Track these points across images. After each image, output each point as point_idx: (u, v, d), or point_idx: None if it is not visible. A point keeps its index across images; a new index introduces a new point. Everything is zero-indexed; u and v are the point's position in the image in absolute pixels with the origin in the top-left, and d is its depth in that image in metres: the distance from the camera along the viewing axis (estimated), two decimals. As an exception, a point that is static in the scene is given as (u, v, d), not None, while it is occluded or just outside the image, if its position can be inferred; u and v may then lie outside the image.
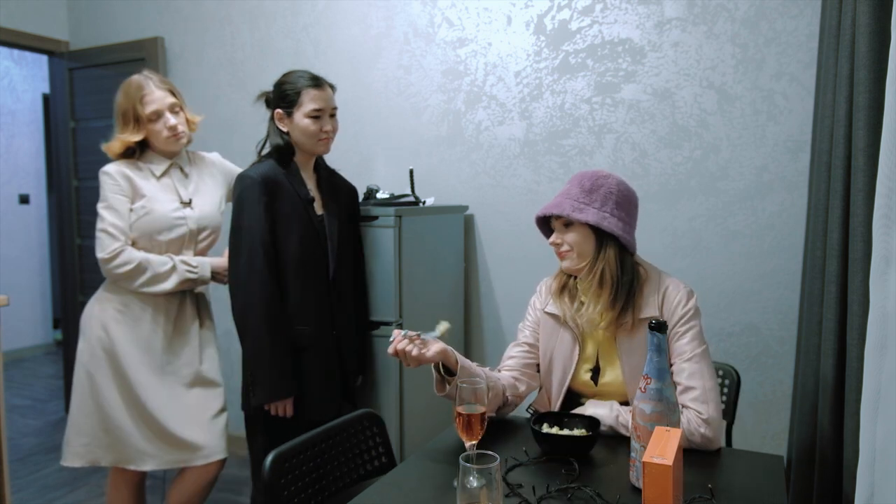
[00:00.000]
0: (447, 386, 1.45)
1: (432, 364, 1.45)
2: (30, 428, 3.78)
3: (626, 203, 1.54)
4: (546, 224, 1.62)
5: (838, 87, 1.54)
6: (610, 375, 1.56)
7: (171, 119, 2.00)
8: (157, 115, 1.98)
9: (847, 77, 1.50)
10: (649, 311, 1.51)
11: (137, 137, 1.99)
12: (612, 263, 1.51)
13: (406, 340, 1.38)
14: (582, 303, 1.57)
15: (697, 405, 1.41)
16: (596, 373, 1.57)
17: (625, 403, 1.56)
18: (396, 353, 1.38)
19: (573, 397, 1.62)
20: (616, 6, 2.49)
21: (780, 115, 2.29)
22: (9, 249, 5.28)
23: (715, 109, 2.37)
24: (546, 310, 1.63)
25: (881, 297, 1.03)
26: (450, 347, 1.45)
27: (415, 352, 1.37)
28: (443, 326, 1.47)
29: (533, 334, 1.66)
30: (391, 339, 1.40)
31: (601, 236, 1.51)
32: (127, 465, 2.01)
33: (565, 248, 1.54)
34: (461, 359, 1.47)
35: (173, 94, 2.03)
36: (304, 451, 1.40)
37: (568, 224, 1.53)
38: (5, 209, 5.27)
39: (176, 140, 2.02)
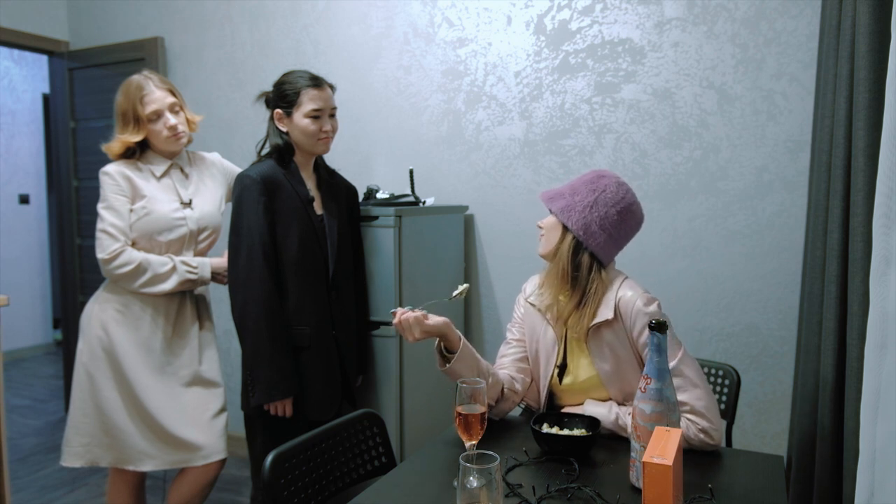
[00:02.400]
0: (447, 363, 1.49)
1: (435, 342, 1.50)
2: (30, 428, 3.78)
3: (605, 206, 1.51)
4: None
5: (838, 87, 1.54)
6: (571, 377, 1.57)
7: (171, 119, 2.00)
8: (157, 115, 1.98)
9: (847, 77, 1.50)
10: (605, 314, 1.50)
11: (137, 138, 1.99)
12: (565, 256, 1.52)
13: (409, 311, 1.44)
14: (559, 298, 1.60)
15: (693, 417, 1.40)
16: (563, 370, 1.59)
17: (620, 403, 1.57)
18: (400, 324, 1.44)
19: (551, 396, 1.63)
20: (616, 6, 2.49)
21: (780, 115, 2.29)
22: (9, 249, 5.28)
23: (715, 109, 2.37)
24: (529, 300, 1.66)
25: (881, 297, 1.03)
26: (455, 329, 1.50)
27: (417, 315, 1.43)
28: (462, 287, 1.55)
29: (520, 330, 1.69)
30: (392, 311, 1.46)
31: (566, 229, 1.54)
32: (126, 466, 2.01)
33: (542, 231, 1.59)
34: (464, 338, 1.51)
35: (173, 93, 2.03)
36: (304, 451, 1.40)
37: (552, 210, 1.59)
38: (5, 209, 5.27)
39: (176, 140, 2.02)
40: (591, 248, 1.51)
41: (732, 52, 2.33)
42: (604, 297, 1.52)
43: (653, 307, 1.48)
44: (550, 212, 1.58)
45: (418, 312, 1.45)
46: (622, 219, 1.52)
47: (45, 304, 5.62)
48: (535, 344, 1.64)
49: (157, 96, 1.98)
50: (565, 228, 1.53)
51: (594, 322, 1.51)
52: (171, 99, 2.01)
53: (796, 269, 2.27)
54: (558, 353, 1.59)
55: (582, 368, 1.56)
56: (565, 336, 1.59)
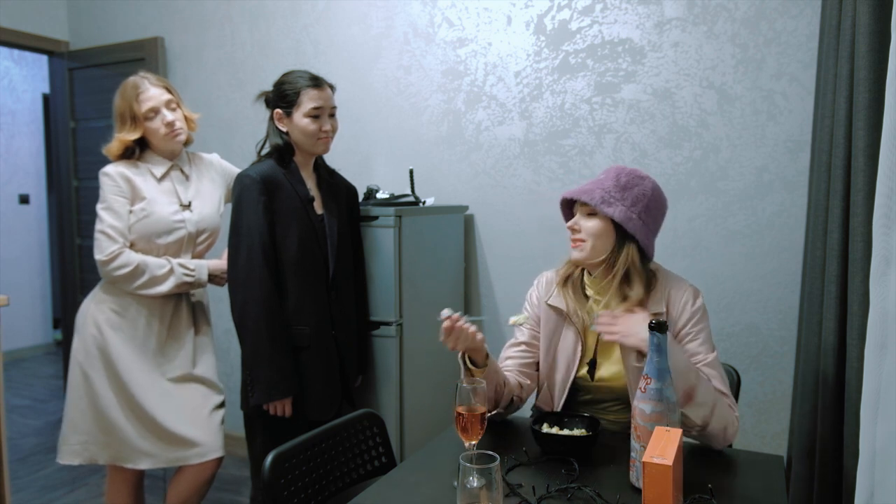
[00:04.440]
0: (473, 377, 1.45)
1: (459, 355, 1.46)
2: (30, 428, 3.78)
3: (655, 210, 1.52)
4: (569, 208, 1.60)
5: (838, 87, 1.54)
6: (606, 370, 1.56)
7: (168, 115, 1.99)
8: (154, 112, 1.98)
9: (847, 77, 1.50)
10: (655, 307, 1.50)
11: (134, 135, 1.99)
12: (637, 264, 1.49)
13: (464, 320, 1.37)
14: (588, 297, 1.57)
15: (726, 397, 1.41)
16: (592, 367, 1.57)
17: (620, 401, 1.56)
18: (452, 328, 1.36)
19: (572, 393, 1.61)
20: (616, 6, 2.49)
21: (780, 115, 2.29)
22: (9, 249, 5.28)
23: (715, 109, 2.37)
24: (549, 302, 1.61)
25: (881, 297, 1.03)
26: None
27: (473, 329, 1.38)
28: (521, 317, 1.54)
29: (531, 332, 1.65)
30: (443, 316, 1.37)
31: (622, 236, 1.49)
32: (124, 464, 2.01)
33: (581, 235, 1.51)
34: (491, 355, 1.48)
35: (169, 90, 2.03)
36: (304, 451, 1.40)
37: (592, 214, 1.50)
38: (5, 209, 5.27)
39: (174, 137, 2.02)
40: (649, 252, 1.52)
41: (732, 52, 2.33)
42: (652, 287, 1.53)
43: (700, 301, 1.50)
44: (594, 214, 1.50)
45: (473, 326, 1.40)
46: (662, 213, 1.55)
47: (45, 304, 5.62)
48: (552, 347, 1.60)
49: (152, 93, 1.98)
50: (621, 237, 1.49)
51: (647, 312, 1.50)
52: (167, 96, 2.01)
53: (796, 269, 2.27)
54: (585, 350, 1.57)
55: (612, 363, 1.55)
56: (596, 333, 1.56)
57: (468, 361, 1.46)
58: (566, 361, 1.58)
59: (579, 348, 1.56)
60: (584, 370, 1.57)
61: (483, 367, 1.45)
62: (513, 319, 1.54)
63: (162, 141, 2.02)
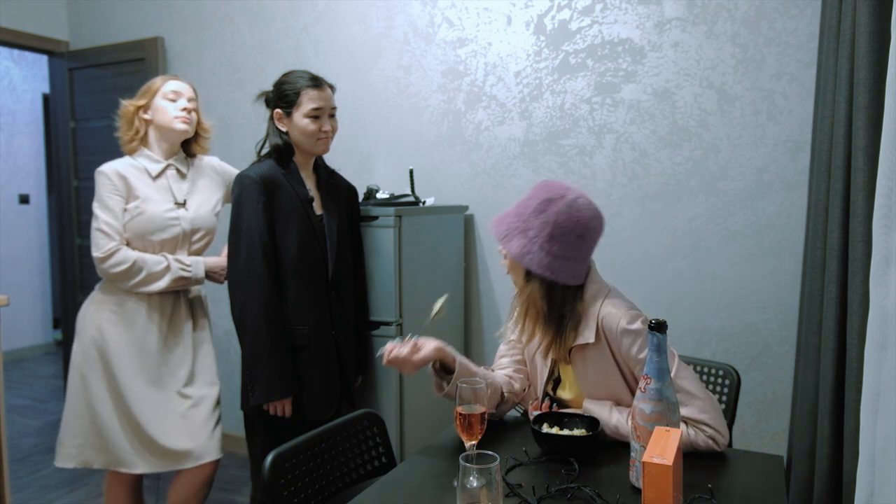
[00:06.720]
0: (444, 386, 1.47)
1: (429, 364, 1.48)
2: (29, 428, 3.78)
3: (564, 235, 1.41)
4: None
5: (838, 87, 1.54)
6: (567, 391, 1.56)
7: (187, 105, 2.05)
8: (177, 96, 2.04)
9: (847, 77, 1.49)
10: (587, 337, 1.45)
11: (143, 101, 2.03)
12: (537, 298, 1.44)
13: (398, 346, 1.42)
14: None
15: (699, 425, 1.38)
16: (557, 382, 1.58)
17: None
18: (392, 363, 1.43)
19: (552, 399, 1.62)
20: (616, 6, 2.49)
21: (780, 115, 2.29)
22: (9, 249, 5.28)
23: (715, 109, 2.37)
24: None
25: (881, 297, 1.03)
26: (449, 347, 1.49)
27: (405, 351, 1.42)
28: (439, 303, 1.52)
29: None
30: (379, 353, 1.44)
31: (528, 270, 1.44)
32: (118, 468, 2.01)
33: (504, 261, 1.51)
34: (459, 356, 1.49)
35: (196, 97, 2.11)
36: (304, 451, 1.40)
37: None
38: (5, 209, 5.27)
39: (181, 123, 2.03)
40: (561, 282, 1.42)
41: (732, 52, 2.33)
42: (585, 316, 1.46)
43: (637, 324, 1.41)
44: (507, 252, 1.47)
45: (408, 345, 1.42)
46: (584, 239, 1.43)
47: (45, 304, 5.61)
48: (532, 349, 1.62)
49: (182, 85, 2.06)
50: (528, 270, 1.43)
51: (576, 344, 1.47)
52: (192, 95, 2.08)
53: (796, 269, 2.27)
54: (549, 366, 1.57)
55: (572, 384, 1.55)
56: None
57: (439, 370, 1.49)
58: (540, 364, 1.59)
59: (549, 356, 1.57)
60: (550, 385, 1.58)
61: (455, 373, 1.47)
62: (433, 313, 1.53)
63: (170, 121, 2.02)
